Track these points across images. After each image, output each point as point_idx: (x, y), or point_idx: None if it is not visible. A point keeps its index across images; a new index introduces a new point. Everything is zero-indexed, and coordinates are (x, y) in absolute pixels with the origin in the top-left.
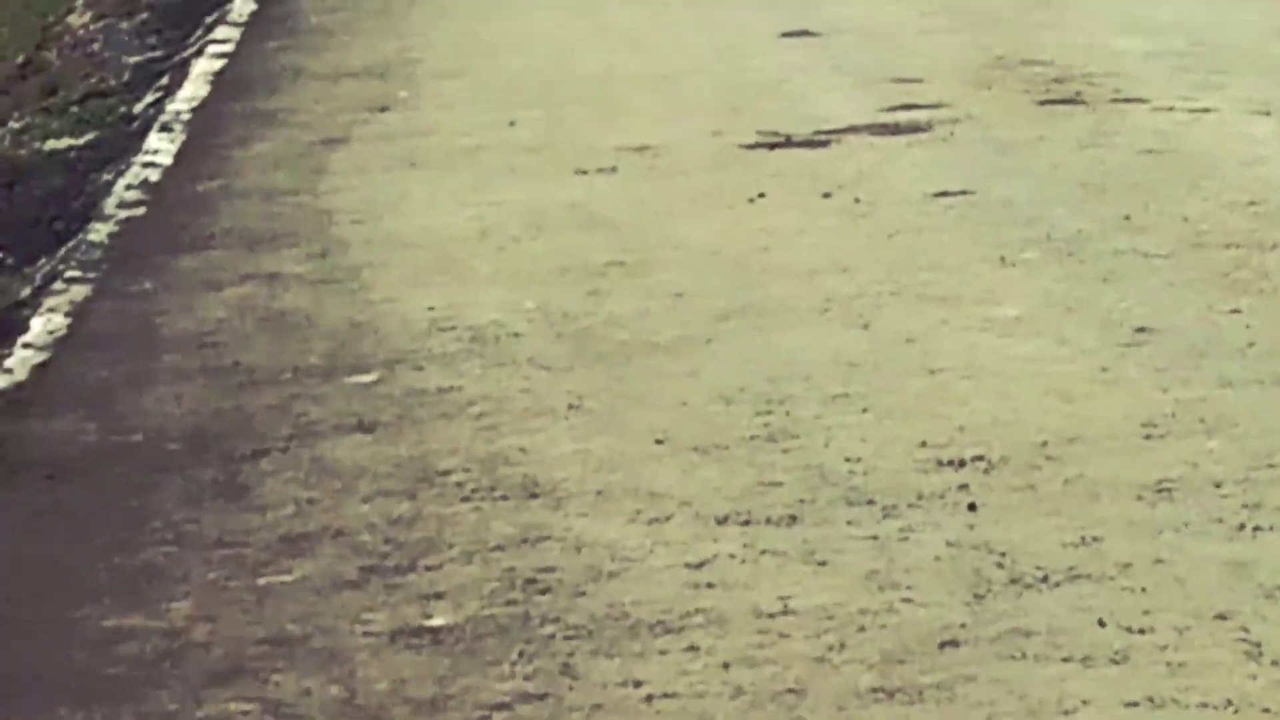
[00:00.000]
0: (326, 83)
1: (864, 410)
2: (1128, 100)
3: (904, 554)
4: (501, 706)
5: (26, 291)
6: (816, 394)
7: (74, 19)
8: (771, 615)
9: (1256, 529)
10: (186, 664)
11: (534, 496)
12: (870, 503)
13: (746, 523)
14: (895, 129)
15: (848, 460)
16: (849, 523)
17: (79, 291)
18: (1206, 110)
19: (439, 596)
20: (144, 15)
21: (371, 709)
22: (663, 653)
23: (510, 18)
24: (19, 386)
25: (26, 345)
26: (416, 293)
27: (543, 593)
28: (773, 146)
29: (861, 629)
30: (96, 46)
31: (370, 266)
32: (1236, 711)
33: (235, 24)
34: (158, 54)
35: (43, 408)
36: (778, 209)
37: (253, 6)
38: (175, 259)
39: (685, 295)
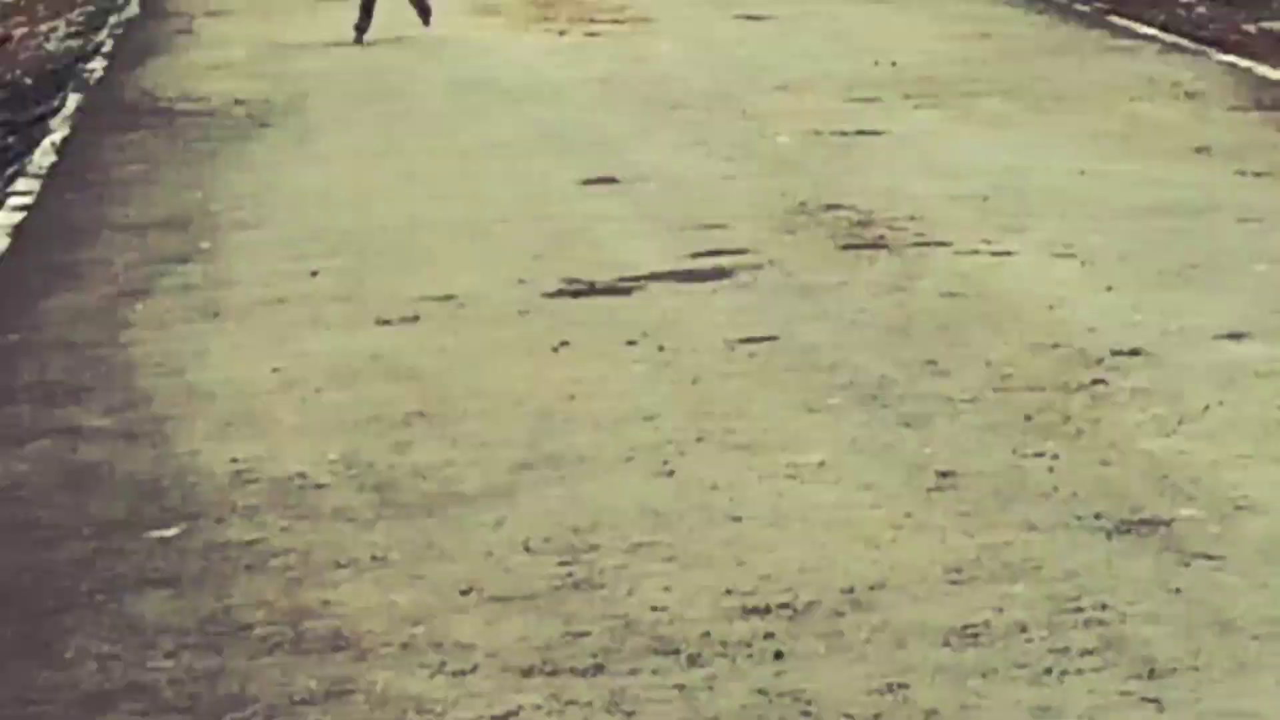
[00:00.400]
0: (128, 234)
1: (669, 559)
2: (930, 244)
3: (711, 703)
4: None
5: None
6: (621, 543)
7: None
8: None
9: (1063, 673)
10: None
11: (339, 650)
12: (676, 652)
13: (552, 673)
14: (699, 275)
15: (654, 609)
16: (655, 672)
17: None
18: (1009, 253)
19: None
20: None
21: None
22: None
23: (311, 166)
24: None
25: None
26: (220, 445)
27: None
28: (577, 294)
29: None
30: None
31: (173, 419)
32: None
33: (35, 175)
34: None
35: None
36: (582, 357)
37: (52, 159)
38: None
39: (490, 445)
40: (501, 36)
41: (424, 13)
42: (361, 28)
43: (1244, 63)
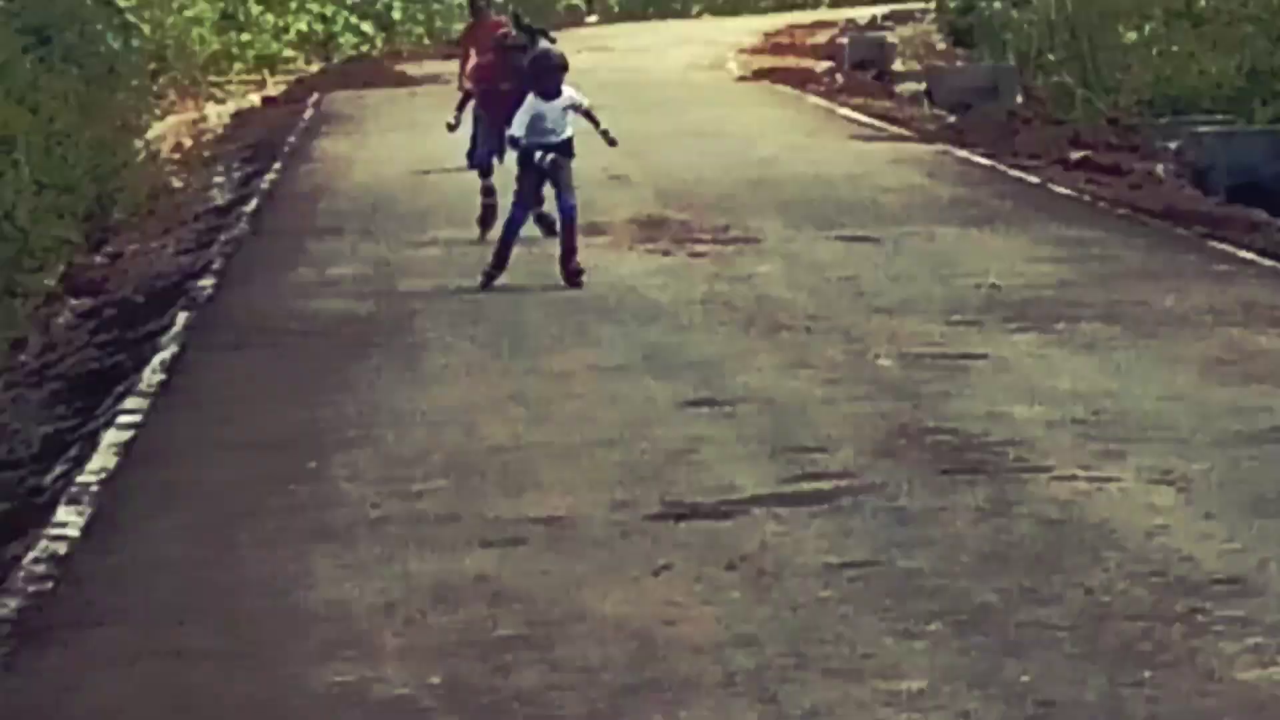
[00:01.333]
0: (234, 453)
1: None
2: (1030, 469)
3: None
4: None
5: None
6: None
7: None
8: None
9: None
10: None
11: None
12: None
13: None
14: (799, 499)
15: None
16: None
17: None
18: (1108, 479)
19: None
20: (54, 385)
21: None
22: None
23: (416, 386)
24: None
25: None
26: (323, 667)
27: None
28: (678, 518)
29: None
30: (6, 416)
31: (277, 642)
32: None
33: (144, 394)
34: (67, 424)
35: None
36: (683, 581)
37: (161, 377)
38: (83, 633)
39: (591, 670)
40: (605, 255)
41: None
42: (491, 275)
43: None
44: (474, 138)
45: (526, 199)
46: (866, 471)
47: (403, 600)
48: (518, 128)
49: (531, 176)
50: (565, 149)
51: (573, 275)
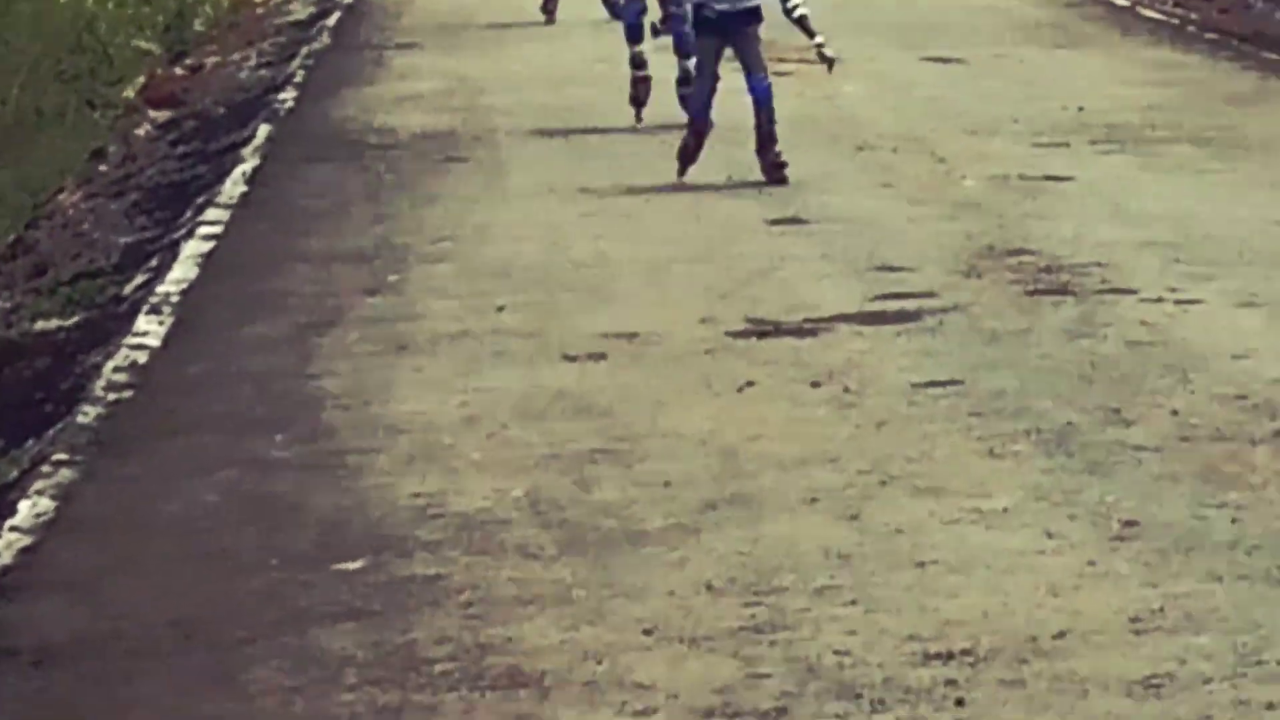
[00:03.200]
0: (315, 266)
1: (852, 602)
2: (1116, 291)
3: None
4: None
5: (13, 474)
6: (805, 586)
7: (64, 198)
8: None
9: None
10: None
11: (521, 686)
12: (858, 696)
13: (734, 715)
14: (884, 318)
15: (836, 653)
16: (837, 716)
17: (66, 475)
18: (1195, 302)
19: None
20: (134, 196)
21: None
22: None
23: (498, 201)
24: (4, 571)
25: (13, 529)
26: (404, 479)
27: None
28: (762, 335)
29: None
30: (87, 226)
31: (358, 452)
32: None
33: (225, 206)
34: (148, 235)
35: (28, 593)
36: (767, 398)
37: (242, 189)
38: (163, 442)
39: (674, 484)
40: None
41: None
42: (685, 160)
43: None
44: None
45: (707, 70)
46: (951, 291)
47: (484, 414)
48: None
49: (709, 43)
50: (752, 15)
51: (773, 168)
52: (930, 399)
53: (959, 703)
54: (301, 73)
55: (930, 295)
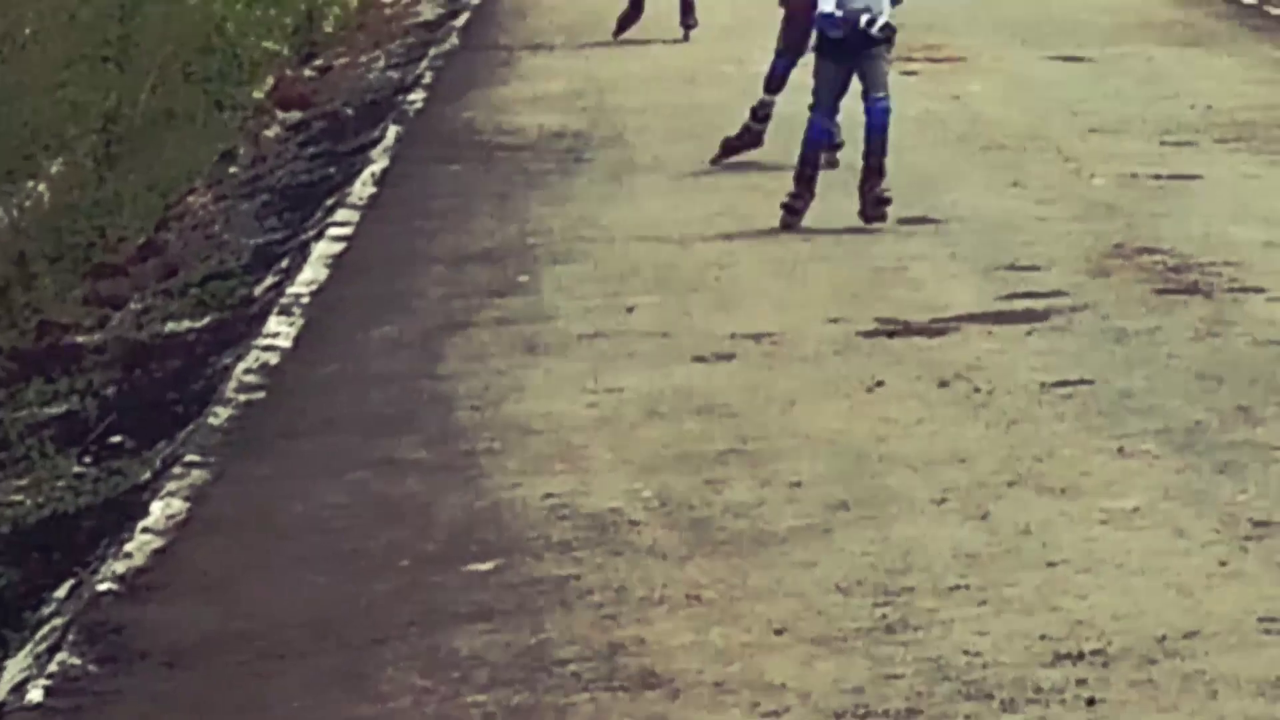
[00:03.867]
0: (445, 267)
1: (982, 603)
2: (1245, 290)
3: None
4: None
5: (146, 475)
6: (934, 586)
7: (194, 200)
8: None
9: None
10: None
11: (652, 688)
12: (989, 697)
13: (865, 715)
14: (1013, 317)
15: (966, 653)
16: (968, 716)
17: (198, 476)
18: None
19: None
20: (264, 197)
21: None
22: None
23: (627, 201)
24: (138, 572)
25: (145, 530)
26: (535, 480)
27: None
28: (891, 334)
29: None
30: (217, 228)
31: (489, 453)
32: None
33: (355, 206)
34: (277, 236)
35: (161, 593)
36: (896, 397)
37: (372, 190)
38: (294, 443)
39: (803, 484)
40: None
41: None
42: (793, 207)
43: None
44: (779, 52)
45: (826, 100)
46: (1080, 291)
47: (614, 415)
48: (827, 3)
49: (830, 67)
50: (880, 33)
51: (874, 204)
52: (1059, 398)
53: (1089, 703)
54: (430, 74)
55: (1059, 294)
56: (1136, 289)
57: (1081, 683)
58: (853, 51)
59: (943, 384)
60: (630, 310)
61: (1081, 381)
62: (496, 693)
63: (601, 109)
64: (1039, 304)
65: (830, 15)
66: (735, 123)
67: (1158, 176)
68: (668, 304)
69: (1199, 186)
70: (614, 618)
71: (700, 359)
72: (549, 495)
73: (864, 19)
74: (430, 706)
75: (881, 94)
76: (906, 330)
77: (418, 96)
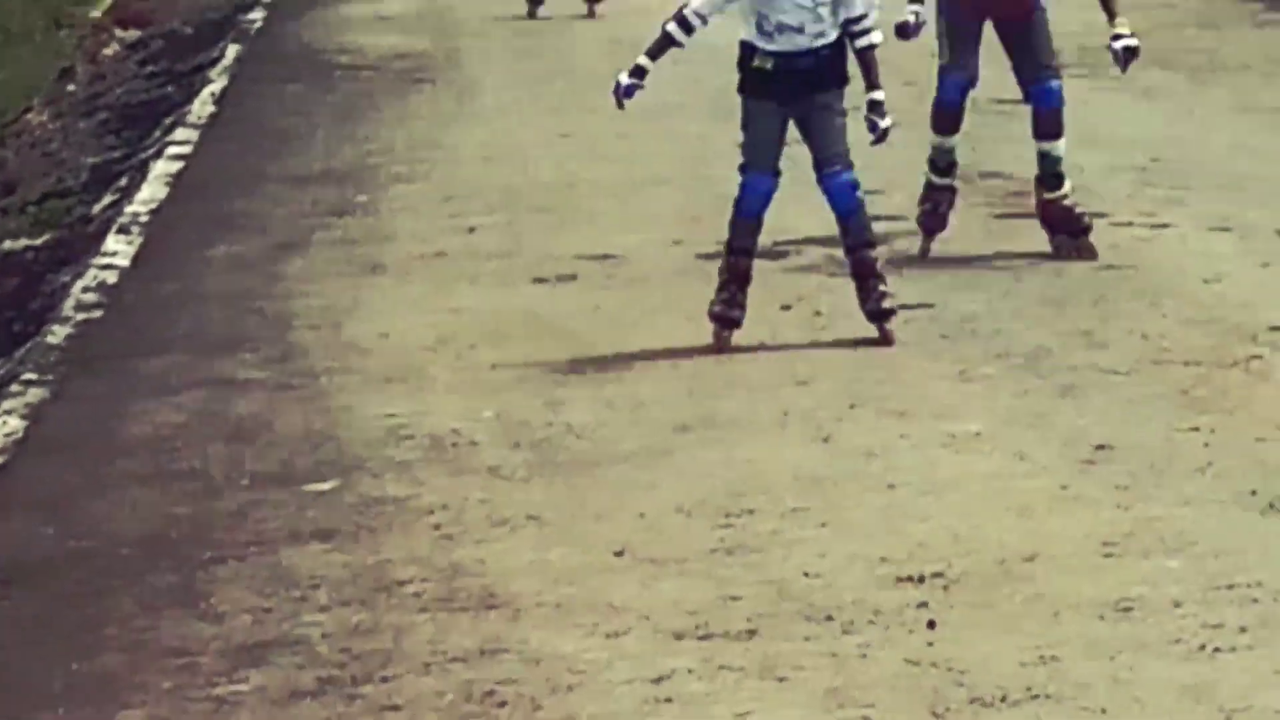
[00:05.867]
0: (285, 186)
1: (823, 525)
2: (1087, 215)
3: (863, 671)
4: None
5: None
6: (776, 508)
7: (32, 117)
8: None
9: (1216, 650)
10: None
11: (492, 608)
12: (829, 619)
13: (705, 637)
14: None
15: (807, 575)
16: (807, 638)
17: (36, 394)
18: (1166, 226)
19: (396, 709)
20: (103, 115)
21: None
22: None
23: (468, 122)
24: None
25: None
26: (375, 400)
27: (500, 705)
28: None
29: None
30: (54, 146)
31: (329, 373)
32: None
33: (194, 125)
34: (116, 155)
35: None
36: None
37: (211, 109)
38: (132, 362)
39: (645, 406)
40: None
41: None
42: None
43: None
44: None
45: (760, 156)
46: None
47: (455, 335)
48: (698, 12)
49: (761, 115)
50: (828, 69)
51: (877, 316)
52: (901, 322)
53: (930, 625)
54: None
55: (900, 218)
56: (978, 213)
57: (922, 605)
58: (792, 95)
59: (785, 307)
60: (471, 231)
61: (922, 305)
62: (336, 613)
63: (441, 29)
64: (881, 227)
65: (749, 44)
66: (575, 41)
67: (1000, 101)
68: (509, 225)
69: None
70: (454, 538)
71: (541, 280)
72: (389, 415)
73: (813, 39)
74: (269, 626)
75: (840, 163)
76: None
77: (258, 15)
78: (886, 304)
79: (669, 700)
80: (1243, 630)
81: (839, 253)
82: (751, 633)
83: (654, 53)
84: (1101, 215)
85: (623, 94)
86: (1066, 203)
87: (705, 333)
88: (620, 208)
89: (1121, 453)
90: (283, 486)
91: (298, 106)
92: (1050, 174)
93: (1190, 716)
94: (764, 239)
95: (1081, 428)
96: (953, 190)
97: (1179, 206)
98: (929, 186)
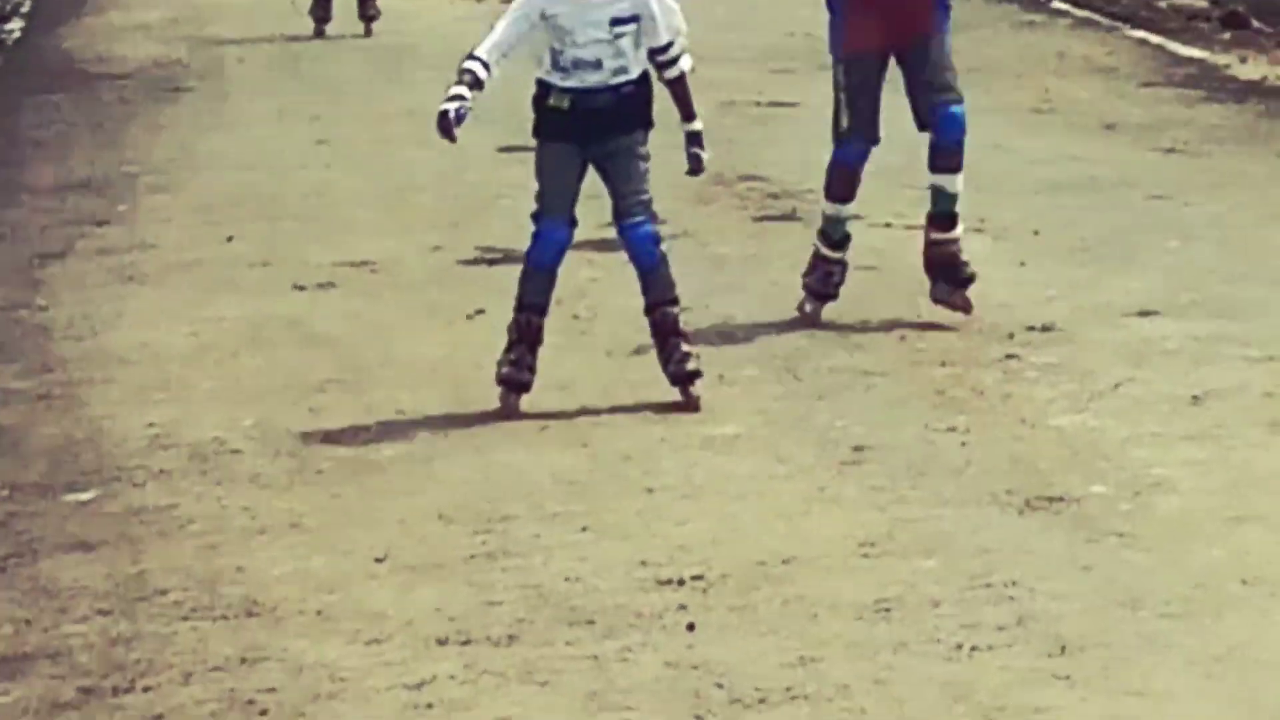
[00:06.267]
0: (44, 196)
1: (583, 529)
2: None
3: (624, 674)
4: None
5: None
6: (536, 513)
7: None
8: None
9: (974, 649)
10: None
11: (253, 616)
12: (590, 622)
13: (466, 642)
14: (614, 245)
15: (567, 580)
16: (568, 643)
17: None
18: (921, 226)
19: (158, 718)
20: None
21: None
22: None
23: (228, 130)
24: None
25: None
26: (136, 409)
27: (262, 714)
28: (492, 262)
29: None
30: None
31: (89, 383)
32: None
33: None
34: None
35: None
36: (497, 326)
37: None
38: None
39: (404, 413)
40: (429, 1)
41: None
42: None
43: (1155, 39)
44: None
45: (554, 203)
46: (680, 218)
47: (215, 344)
48: (497, 47)
49: (557, 158)
50: (630, 108)
51: (680, 380)
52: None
53: (690, 627)
54: (29, 1)
55: (661, 222)
56: (736, 216)
57: (682, 608)
58: (590, 135)
59: None
60: (230, 239)
61: (683, 308)
62: (97, 622)
63: (201, 39)
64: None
65: (544, 81)
66: (335, 50)
67: (757, 104)
68: (268, 233)
69: (798, 113)
70: (215, 547)
71: (300, 288)
72: (150, 425)
73: (612, 74)
74: (31, 637)
75: (641, 216)
76: (507, 259)
77: (15, 25)
78: (690, 365)
79: (430, 706)
80: (1000, 629)
81: (599, 256)
82: (512, 638)
83: (466, 85)
84: (858, 217)
85: (454, 119)
86: (955, 248)
87: (464, 340)
88: (379, 214)
89: (879, 453)
90: (43, 497)
91: (56, 116)
92: (943, 213)
93: (949, 715)
94: (522, 244)
95: (840, 429)
96: (845, 265)
97: None
98: (820, 258)
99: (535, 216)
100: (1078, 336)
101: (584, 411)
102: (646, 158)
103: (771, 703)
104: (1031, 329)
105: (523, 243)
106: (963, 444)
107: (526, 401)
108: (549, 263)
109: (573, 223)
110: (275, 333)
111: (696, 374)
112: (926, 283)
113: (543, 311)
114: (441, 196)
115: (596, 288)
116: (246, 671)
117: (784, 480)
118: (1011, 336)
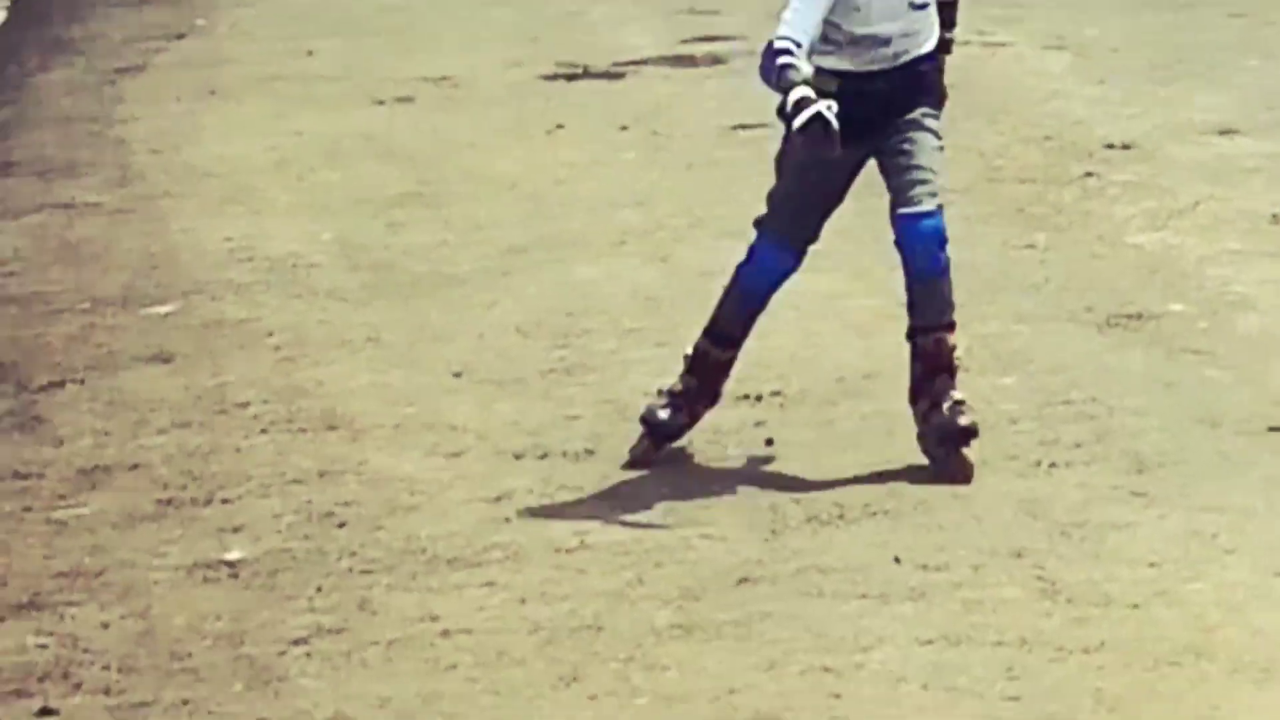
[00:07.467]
0: (124, 9)
1: (661, 344)
2: None
3: (701, 488)
4: (299, 641)
5: None
6: (613, 328)
7: None
8: (569, 550)
9: (1052, 465)
10: None
11: (332, 429)
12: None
13: (543, 456)
14: (693, 61)
15: (646, 394)
16: None
17: None
18: (1002, 44)
19: (236, 530)
20: None
21: (169, 643)
22: (459, 587)
23: None
24: None
25: None
26: (214, 223)
27: (340, 526)
28: (571, 78)
29: (659, 564)
30: None
31: (168, 196)
32: (1030, 649)
33: None
34: None
35: None
36: (576, 141)
37: None
38: None
39: (483, 227)
40: None
41: None
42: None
43: None
44: None
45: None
46: (761, 33)
47: (293, 157)
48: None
49: (812, 163)
50: (919, 84)
51: (951, 436)
52: (739, 141)
53: (768, 442)
54: None
55: (738, 39)
56: None
57: (760, 424)
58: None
59: (622, 128)
60: (310, 54)
61: (760, 125)
62: (175, 435)
63: None
64: (720, 48)
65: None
66: None
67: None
68: (347, 47)
69: None
70: (294, 360)
71: (379, 102)
72: (228, 238)
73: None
74: (110, 449)
75: (927, 202)
76: (586, 74)
77: None
78: (965, 419)
79: (507, 520)
80: (1078, 446)
81: (676, 72)
82: (589, 452)
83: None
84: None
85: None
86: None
87: (542, 155)
88: (458, 30)
89: (958, 270)
90: (122, 309)
91: None
92: None
93: (1027, 531)
94: (602, 60)
95: None
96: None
97: (1015, 25)
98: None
99: (759, 227)
100: (1157, 154)
101: (662, 227)
102: (936, 136)
103: (849, 519)
104: (1110, 146)
105: (604, 59)
106: (1041, 261)
107: (606, 216)
108: (764, 291)
109: (805, 252)
110: (353, 147)
111: (972, 431)
112: (1008, 99)
113: (734, 345)
114: (521, 11)
115: (673, 103)
116: (324, 484)
117: (863, 296)
118: (1090, 154)
